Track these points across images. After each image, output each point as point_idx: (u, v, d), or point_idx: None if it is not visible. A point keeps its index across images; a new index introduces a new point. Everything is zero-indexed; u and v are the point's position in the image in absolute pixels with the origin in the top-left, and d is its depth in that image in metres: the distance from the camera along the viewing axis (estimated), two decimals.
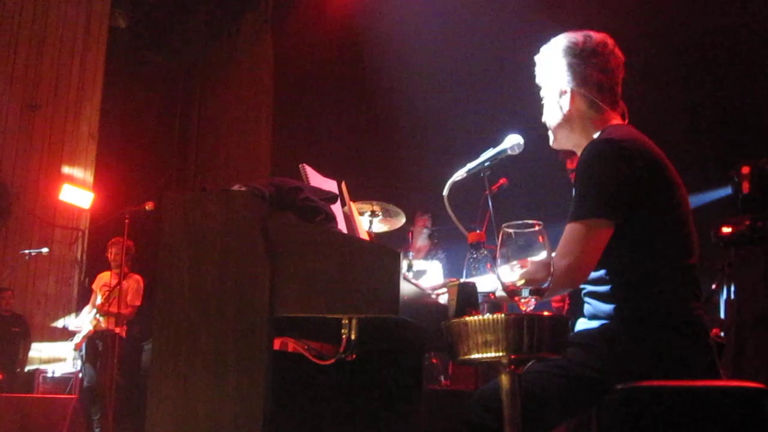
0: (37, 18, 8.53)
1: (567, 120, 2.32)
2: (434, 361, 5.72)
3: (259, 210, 1.77)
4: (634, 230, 2.09)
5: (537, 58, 2.40)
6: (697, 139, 5.83)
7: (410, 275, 2.49)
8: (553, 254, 1.66)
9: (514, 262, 1.56)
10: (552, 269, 1.54)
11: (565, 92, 2.30)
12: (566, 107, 2.30)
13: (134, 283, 6.97)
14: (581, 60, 2.26)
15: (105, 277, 7.21)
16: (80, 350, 7.04)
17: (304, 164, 2.29)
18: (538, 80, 2.41)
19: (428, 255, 6.04)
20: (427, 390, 4.44)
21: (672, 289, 2.11)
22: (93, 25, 9.08)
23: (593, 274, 2.16)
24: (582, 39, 2.28)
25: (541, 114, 2.43)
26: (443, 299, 2.15)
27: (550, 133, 2.41)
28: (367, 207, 4.98)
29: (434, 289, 2.25)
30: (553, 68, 2.33)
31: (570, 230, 2.07)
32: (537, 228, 1.55)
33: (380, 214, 5.09)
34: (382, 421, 2.98)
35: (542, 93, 2.41)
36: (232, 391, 1.72)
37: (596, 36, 2.28)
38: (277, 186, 1.88)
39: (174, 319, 1.78)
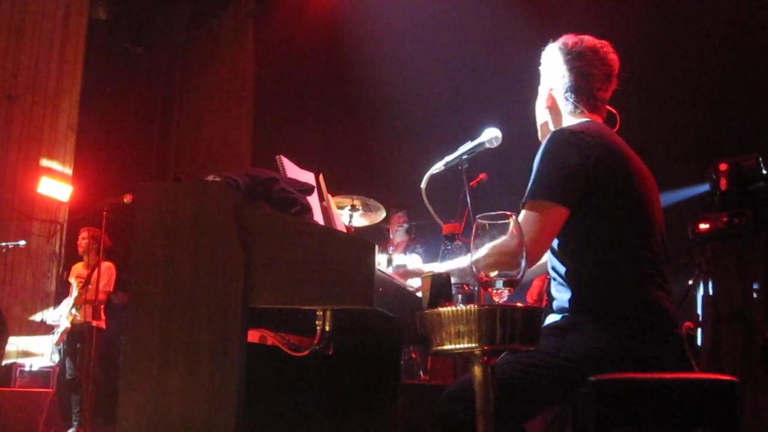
0: (15, 8, 8.42)
1: (547, 115, 2.41)
2: (413, 355, 5.73)
3: (234, 200, 1.76)
4: (592, 221, 2.14)
5: (543, 53, 2.47)
6: (675, 136, 5.87)
7: (391, 270, 2.49)
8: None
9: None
10: (525, 260, 1.54)
11: (548, 89, 2.40)
12: (547, 103, 2.40)
13: (106, 269, 6.92)
14: (565, 60, 2.34)
15: (78, 268, 7.19)
16: (61, 344, 6.99)
17: (281, 156, 2.28)
18: (541, 76, 2.49)
19: (407, 249, 6.06)
20: (405, 384, 4.45)
21: (634, 280, 2.13)
22: (72, 16, 8.98)
23: (558, 267, 2.20)
24: (572, 42, 2.35)
25: (531, 105, 2.49)
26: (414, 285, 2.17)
27: (537, 127, 2.49)
28: (347, 201, 4.97)
29: (400, 274, 2.26)
30: (546, 65, 2.43)
31: (522, 214, 2.12)
32: (510, 219, 1.56)
33: (360, 208, 5.08)
34: (360, 414, 2.99)
35: (539, 87, 2.49)
36: (205, 383, 1.71)
37: (589, 41, 2.35)
38: (252, 177, 1.87)
39: (147, 310, 1.77)
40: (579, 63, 2.32)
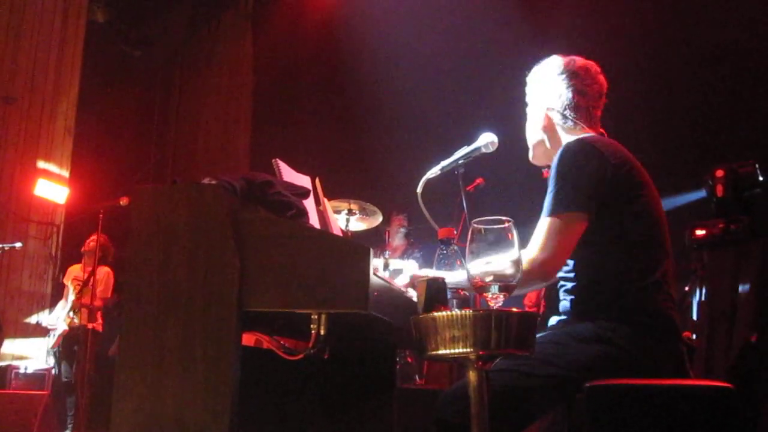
0: (14, 10, 8.41)
1: (543, 135, 2.42)
2: (409, 360, 5.72)
3: (229, 203, 1.76)
4: (606, 229, 2.13)
5: (527, 77, 2.50)
6: (672, 142, 5.88)
7: (387, 274, 2.49)
8: (522, 250, 1.67)
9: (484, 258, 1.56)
10: (520, 266, 1.54)
11: (543, 108, 2.40)
12: (543, 123, 2.40)
13: (104, 275, 6.92)
14: (560, 79, 2.37)
15: (75, 270, 7.17)
16: (57, 347, 6.98)
17: (277, 159, 2.28)
18: (527, 98, 2.50)
19: (405, 254, 6.06)
20: (401, 389, 4.44)
21: (643, 288, 2.13)
22: (70, 19, 8.97)
23: (569, 272, 2.20)
24: (566, 61, 2.39)
25: (519, 123, 2.50)
26: (412, 293, 2.16)
27: (529, 148, 2.49)
28: (344, 205, 4.97)
29: (406, 286, 2.26)
30: (536, 86, 2.45)
31: (545, 224, 2.12)
32: (506, 224, 1.56)
33: (357, 212, 5.09)
34: (355, 418, 2.98)
35: (527, 110, 2.50)
36: (199, 386, 1.70)
37: (580, 61, 2.39)
38: (247, 180, 1.87)
39: (142, 313, 1.76)
40: (575, 81, 2.35)
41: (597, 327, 2.08)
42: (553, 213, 2.11)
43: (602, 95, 2.40)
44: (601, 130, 2.41)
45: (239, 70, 10.21)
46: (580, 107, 2.35)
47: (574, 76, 2.35)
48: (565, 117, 2.35)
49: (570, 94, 2.34)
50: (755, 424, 3.72)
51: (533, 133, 2.45)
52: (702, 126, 5.95)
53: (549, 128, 2.39)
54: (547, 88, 2.39)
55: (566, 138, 2.35)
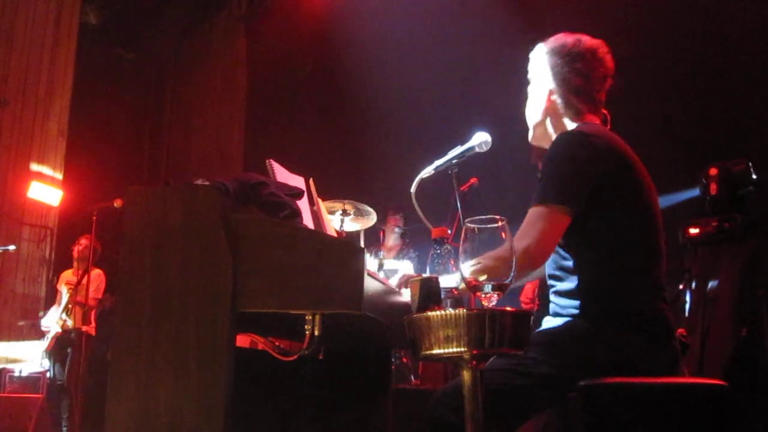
0: (6, 13, 8.39)
1: (544, 118, 2.37)
2: (405, 360, 5.72)
3: (222, 204, 1.76)
4: (599, 227, 2.10)
5: (531, 53, 2.43)
6: (665, 140, 5.88)
7: (381, 274, 2.48)
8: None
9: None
10: (513, 264, 1.54)
11: (546, 90, 2.34)
12: (544, 105, 2.35)
13: (96, 277, 6.92)
14: (565, 62, 2.30)
15: (67, 275, 7.19)
16: (51, 350, 6.98)
17: (271, 160, 2.28)
18: (529, 75, 2.44)
19: (399, 254, 6.05)
20: (396, 389, 4.44)
21: (637, 288, 2.11)
22: (63, 21, 8.96)
23: (559, 272, 2.18)
24: (571, 42, 2.31)
25: (521, 109, 2.46)
26: (406, 294, 2.15)
27: (530, 128, 2.44)
28: (338, 206, 4.95)
29: (398, 284, 2.25)
30: (540, 66, 2.38)
31: (531, 214, 2.08)
32: (500, 224, 1.55)
33: (351, 212, 5.07)
34: (350, 419, 2.98)
35: (529, 88, 2.43)
36: (193, 388, 1.70)
37: (587, 42, 2.31)
38: (241, 181, 1.87)
39: (135, 315, 1.76)
40: (580, 65, 2.28)
41: (591, 327, 2.07)
42: (538, 203, 2.07)
43: (607, 78, 2.32)
44: (605, 111, 2.36)
45: (233, 72, 10.21)
46: (583, 91, 2.29)
47: (579, 58, 2.28)
48: (567, 101, 2.30)
49: (573, 78, 2.28)
50: (745, 419, 3.73)
51: (534, 113, 2.39)
52: (696, 124, 5.96)
53: (551, 111, 2.33)
54: (550, 70, 2.33)
55: (568, 123, 2.31)
